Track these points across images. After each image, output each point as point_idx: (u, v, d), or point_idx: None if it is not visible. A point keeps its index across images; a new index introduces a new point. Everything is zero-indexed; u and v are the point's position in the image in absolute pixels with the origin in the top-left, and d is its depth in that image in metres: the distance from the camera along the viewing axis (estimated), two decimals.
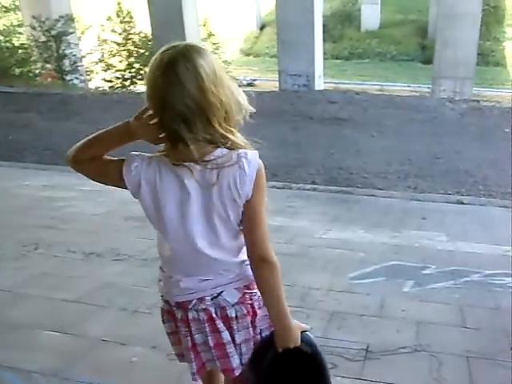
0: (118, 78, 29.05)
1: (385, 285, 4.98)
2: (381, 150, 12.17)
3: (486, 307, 4.55)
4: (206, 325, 2.09)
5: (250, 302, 2.13)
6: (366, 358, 3.69)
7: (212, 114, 1.82)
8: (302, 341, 2.12)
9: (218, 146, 1.90)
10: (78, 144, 2.09)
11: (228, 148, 1.91)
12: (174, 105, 1.77)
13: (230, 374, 2.17)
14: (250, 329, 2.14)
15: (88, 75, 27.99)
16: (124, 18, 30.50)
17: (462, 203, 8.59)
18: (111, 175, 2.04)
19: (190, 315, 2.10)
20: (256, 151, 1.98)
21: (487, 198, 9.10)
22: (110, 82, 28.61)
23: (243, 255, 2.08)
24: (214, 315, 2.08)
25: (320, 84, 22.51)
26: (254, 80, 40.27)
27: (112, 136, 2.02)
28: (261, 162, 1.97)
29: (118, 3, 30.97)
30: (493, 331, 4.10)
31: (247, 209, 1.95)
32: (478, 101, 18.34)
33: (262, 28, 56.77)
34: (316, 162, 11.10)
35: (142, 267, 5.31)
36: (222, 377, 2.41)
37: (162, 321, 2.29)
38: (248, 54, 52.88)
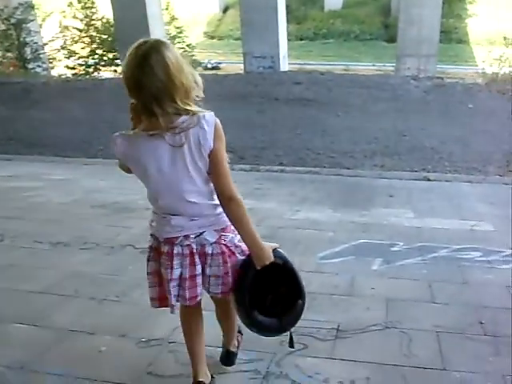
0: (81, 64, 28.68)
1: (354, 263, 5.00)
2: (347, 129, 12.21)
3: (455, 282, 4.59)
4: (187, 259, 2.62)
5: (223, 242, 2.66)
6: (337, 337, 3.69)
7: (176, 93, 2.37)
8: (274, 256, 2.66)
9: (181, 115, 2.41)
10: None
11: (189, 113, 2.43)
12: (149, 88, 2.33)
13: (192, 300, 2.72)
14: (222, 267, 2.67)
15: (50, 63, 27.57)
16: (85, 3, 30.03)
17: (429, 180, 8.66)
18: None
19: (176, 250, 2.62)
20: (212, 112, 2.49)
21: (453, 174, 9.20)
22: (73, 69, 28.24)
23: (216, 199, 2.58)
24: (194, 250, 2.62)
25: (285, 65, 22.49)
26: (219, 63, 40.09)
27: None
28: (216, 118, 2.48)
29: None
30: (462, 306, 4.13)
31: (212, 158, 2.47)
32: (442, 78, 18.48)
33: (225, 10, 56.35)
34: (283, 143, 11.10)
35: (109, 255, 5.25)
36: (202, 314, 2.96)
37: (148, 259, 2.79)
38: (212, 37, 52.52)
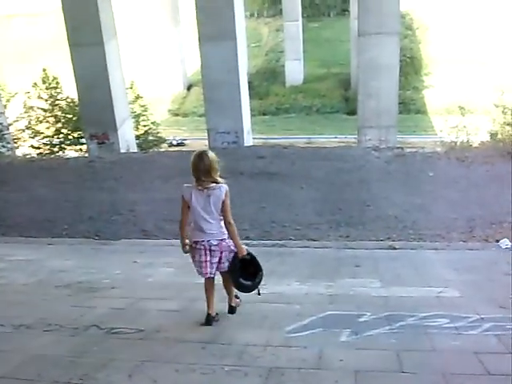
0: (46, 144, 28.72)
1: (322, 336, 4.98)
2: (311, 201, 12.33)
3: (423, 350, 4.59)
4: (205, 251, 5.16)
5: (221, 245, 5.19)
6: None
7: (213, 172, 4.99)
8: (248, 254, 5.28)
9: (213, 182, 5.00)
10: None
11: (216, 183, 5.01)
12: (201, 169, 4.98)
13: (205, 275, 5.30)
14: (217, 258, 5.22)
15: (15, 143, 27.49)
16: (50, 84, 30.35)
17: (394, 248, 8.75)
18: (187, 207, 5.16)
19: (199, 246, 5.15)
20: (225, 184, 5.07)
21: (418, 242, 9.31)
22: (38, 148, 28.24)
23: (222, 224, 5.12)
24: (207, 247, 5.16)
25: (249, 140, 22.82)
26: (184, 139, 40.52)
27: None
28: (227, 187, 5.07)
29: (44, 70, 30.82)
30: (430, 374, 4.13)
31: (223, 204, 5.04)
32: (402, 148, 18.87)
33: (189, 88, 57.35)
34: (248, 216, 11.14)
35: (73, 336, 5.14)
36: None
37: (191, 249, 5.26)
38: (176, 114, 53.27)
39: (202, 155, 4.99)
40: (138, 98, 32.28)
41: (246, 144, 21.85)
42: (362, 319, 5.37)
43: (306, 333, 5.05)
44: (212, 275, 5.28)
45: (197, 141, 34.22)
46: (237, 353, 4.58)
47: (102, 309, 5.83)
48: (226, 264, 5.24)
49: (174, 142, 38.45)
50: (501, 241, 8.89)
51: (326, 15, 67.40)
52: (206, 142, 22.42)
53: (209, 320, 5.31)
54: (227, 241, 5.19)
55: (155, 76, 53.32)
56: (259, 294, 5.40)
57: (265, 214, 11.52)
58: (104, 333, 5.08)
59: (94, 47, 21.75)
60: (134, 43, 55.64)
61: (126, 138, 23.44)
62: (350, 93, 48.78)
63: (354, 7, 42.53)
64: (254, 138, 25.01)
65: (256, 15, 68.06)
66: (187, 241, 5.19)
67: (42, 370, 4.40)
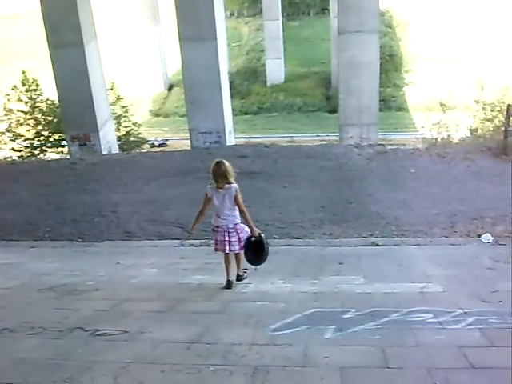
0: (27, 146, 28.52)
1: (307, 333, 4.99)
2: (294, 199, 12.35)
3: (407, 345, 4.62)
4: (224, 233, 6.54)
5: (236, 228, 6.57)
6: None
7: (227, 176, 6.39)
8: (259, 235, 6.63)
9: (228, 183, 6.40)
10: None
11: (230, 183, 6.41)
12: (219, 174, 6.39)
13: (225, 251, 6.61)
14: (236, 237, 6.56)
15: None
16: (30, 86, 30.13)
17: (377, 245, 8.80)
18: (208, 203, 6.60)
19: (220, 229, 6.56)
20: (235, 184, 6.45)
21: (400, 238, 9.36)
22: (19, 151, 28.05)
23: (236, 213, 6.53)
24: (226, 230, 6.54)
25: (231, 139, 22.80)
26: (166, 140, 40.43)
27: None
28: (237, 185, 6.45)
29: (23, 72, 30.59)
30: (415, 369, 4.16)
31: (235, 199, 6.43)
32: (384, 145, 18.92)
33: (170, 88, 57.23)
34: None
35: (57, 339, 5.11)
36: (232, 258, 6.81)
37: (213, 232, 6.65)
38: (158, 115, 53.19)
39: (219, 163, 6.42)
40: (118, 99, 32.09)
41: (228, 143, 21.83)
42: (346, 316, 5.40)
43: (291, 330, 5.06)
44: (229, 251, 6.62)
45: (179, 141, 34.12)
46: (222, 352, 4.58)
47: (86, 311, 5.81)
48: (233, 247, 6.59)
49: (156, 143, 38.35)
50: (482, 236, 8.97)
51: (306, 14, 67.58)
52: (189, 142, 22.36)
53: (229, 284, 6.66)
54: (241, 225, 6.61)
55: (136, 76, 53.13)
56: (256, 269, 6.98)
57: (248, 212, 11.49)
58: (88, 335, 5.06)
59: (73, 48, 21.57)
60: (114, 43, 55.40)
61: (108, 139, 23.31)
62: (331, 91, 49.08)
63: (333, 5, 42.68)
64: (236, 138, 24.99)
65: (236, 15, 68.08)
66: (197, 226, 6.73)
67: (26, 373, 4.37)
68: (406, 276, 6.88)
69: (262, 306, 5.86)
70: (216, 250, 6.67)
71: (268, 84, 55.55)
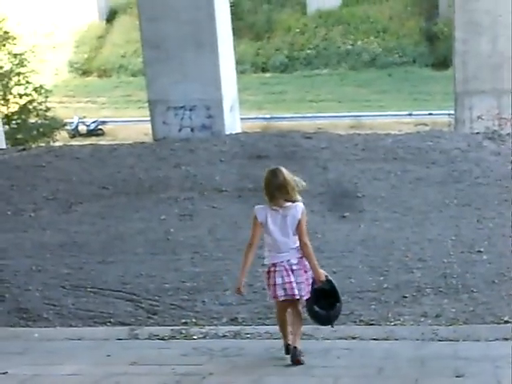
0: None
1: None
2: (361, 243, 7.76)
3: None
4: (284, 272, 4.74)
5: (302, 265, 4.79)
6: None
7: (288, 189, 4.65)
8: (326, 281, 4.79)
9: (288, 201, 4.68)
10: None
11: (292, 201, 4.69)
12: (277, 185, 4.63)
13: (293, 297, 4.72)
14: (304, 277, 4.76)
15: None
16: None
17: None
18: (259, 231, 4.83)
19: (278, 268, 4.75)
20: (301, 203, 4.72)
21: None
22: None
23: (298, 243, 4.78)
24: (287, 267, 4.74)
25: (234, 122, 12.93)
26: (103, 123, 27.80)
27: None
28: (303, 206, 4.74)
29: None
30: None
31: (298, 224, 4.72)
32: None
33: (110, 18, 35.64)
34: None
35: None
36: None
37: (268, 275, 4.82)
38: (86, 72, 34.85)
39: (275, 171, 4.85)
40: (6, 38, 21.27)
41: (227, 131, 13.54)
42: None
43: None
44: (298, 297, 4.77)
45: (129, 125, 22.92)
46: None
47: None
48: (300, 291, 4.76)
49: (83, 129, 26.14)
50: None
51: None
52: (148, 127, 14.23)
53: (294, 353, 4.79)
54: (303, 265, 4.89)
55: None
56: (332, 326, 5.03)
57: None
58: None
59: None
60: None
61: None
62: (438, 25, 31.13)
63: None
64: (244, 119, 16.25)
65: None
66: (244, 276, 4.92)
67: None
68: None
69: None
70: (275, 297, 4.86)
71: (309, 10, 33.79)
